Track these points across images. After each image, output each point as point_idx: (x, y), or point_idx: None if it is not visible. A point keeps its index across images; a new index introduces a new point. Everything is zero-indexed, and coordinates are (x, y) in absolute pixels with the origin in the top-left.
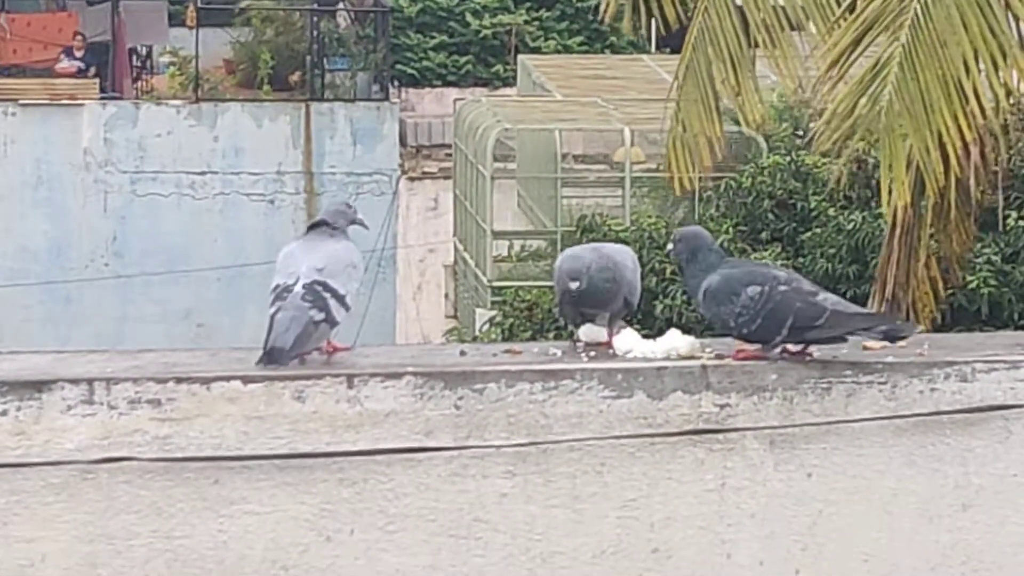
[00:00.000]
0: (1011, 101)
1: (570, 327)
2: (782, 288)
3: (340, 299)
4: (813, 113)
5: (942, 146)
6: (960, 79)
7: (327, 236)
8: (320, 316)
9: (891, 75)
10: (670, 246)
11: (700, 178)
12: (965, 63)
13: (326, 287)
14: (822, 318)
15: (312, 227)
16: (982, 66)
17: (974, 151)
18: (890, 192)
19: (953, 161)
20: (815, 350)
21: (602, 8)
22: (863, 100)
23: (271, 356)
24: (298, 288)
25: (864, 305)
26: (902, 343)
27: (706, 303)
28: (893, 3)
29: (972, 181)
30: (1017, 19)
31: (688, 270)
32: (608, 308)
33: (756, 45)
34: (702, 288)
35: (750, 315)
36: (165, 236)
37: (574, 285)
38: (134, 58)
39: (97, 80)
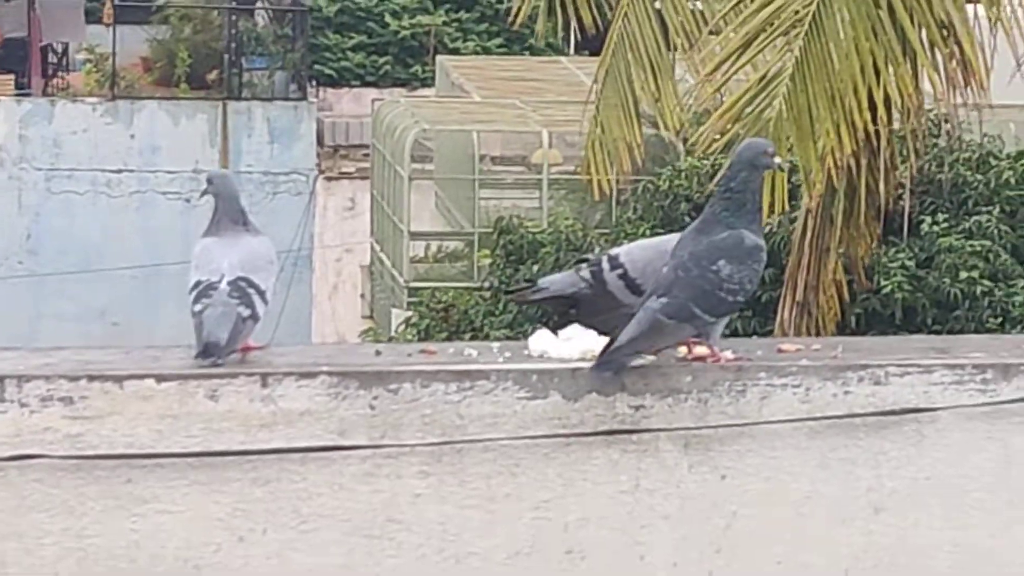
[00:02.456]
0: (928, 107)
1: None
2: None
3: (262, 295)
4: (695, 116)
5: (858, 149)
6: (847, 92)
7: (242, 230)
8: (247, 312)
9: (782, 85)
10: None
11: (617, 181)
12: (852, 77)
13: (250, 283)
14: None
15: (221, 218)
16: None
17: (882, 156)
18: (772, 197)
19: (847, 167)
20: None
21: (514, 11)
22: (749, 107)
23: (208, 351)
24: (223, 285)
25: (775, 310)
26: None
27: None
28: (787, 14)
29: (882, 186)
30: (906, 35)
31: None
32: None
33: (675, 49)
34: None
35: None
36: (80, 234)
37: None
38: (50, 55)
39: (12, 76)
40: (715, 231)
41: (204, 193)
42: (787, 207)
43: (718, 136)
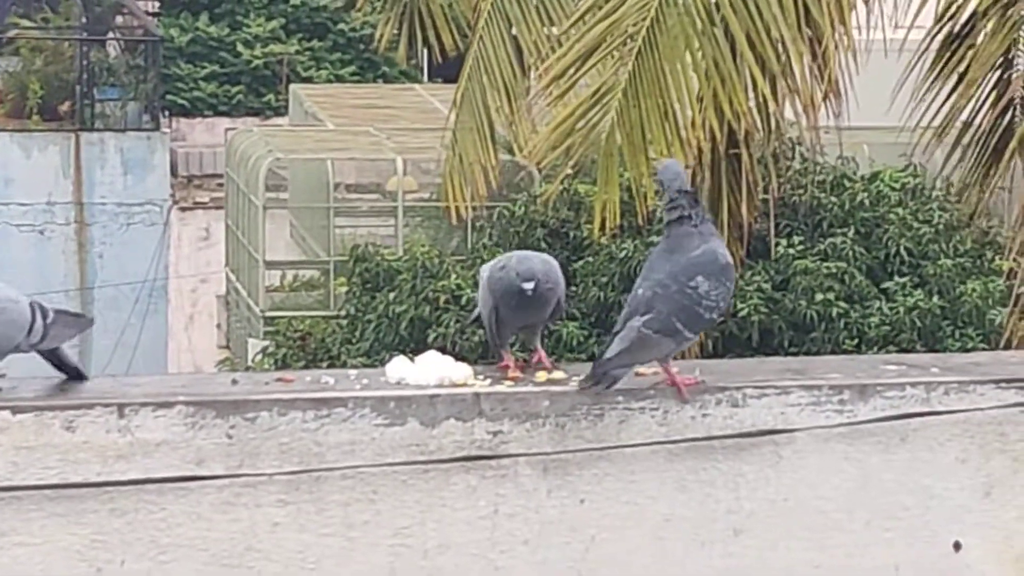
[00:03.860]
0: (781, 130)
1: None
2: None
3: None
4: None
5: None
6: (681, 108)
7: None
8: None
9: (615, 101)
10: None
11: (474, 207)
12: (684, 94)
13: None
14: None
15: None
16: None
17: (744, 179)
18: (603, 216)
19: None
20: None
21: (376, 37)
22: (581, 123)
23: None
24: None
25: None
26: None
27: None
28: (623, 28)
29: (744, 209)
30: (741, 53)
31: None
32: (545, 317)
33: (529, 73)
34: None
35: None
36: None
37: (529, 285)
38: None
39: None
40: (688, 246)
41: None
42: (645, 232)
43: (552, 149)
